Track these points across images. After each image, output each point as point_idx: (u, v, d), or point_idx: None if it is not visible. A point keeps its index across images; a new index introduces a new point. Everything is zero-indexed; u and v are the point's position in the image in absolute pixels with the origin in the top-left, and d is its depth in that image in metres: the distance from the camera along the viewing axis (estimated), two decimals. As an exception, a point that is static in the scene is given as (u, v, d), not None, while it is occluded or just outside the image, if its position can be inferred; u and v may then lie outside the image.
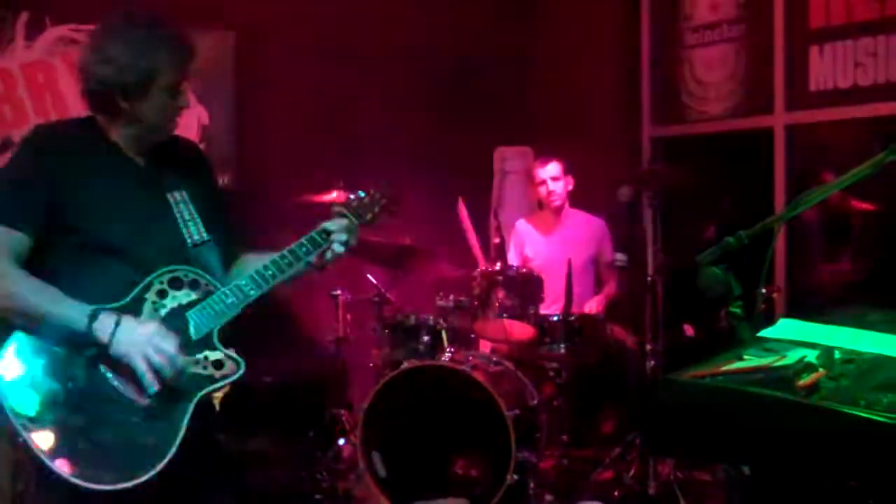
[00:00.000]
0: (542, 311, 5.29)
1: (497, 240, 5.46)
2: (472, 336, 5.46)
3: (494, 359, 5.20)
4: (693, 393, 1.86)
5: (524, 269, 5.33)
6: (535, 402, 5.02)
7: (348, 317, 5.57)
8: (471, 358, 5.09)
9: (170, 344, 2.52)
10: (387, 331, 5.33)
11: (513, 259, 5.85)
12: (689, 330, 5.65)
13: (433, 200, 5.80)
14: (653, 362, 5.07)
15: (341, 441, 5.39)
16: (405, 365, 4.93)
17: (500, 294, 5.13)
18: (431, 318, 5.24)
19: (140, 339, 2.49)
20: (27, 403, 2.45)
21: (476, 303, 5.18)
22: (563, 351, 5.21)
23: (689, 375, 1.89)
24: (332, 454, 5.35)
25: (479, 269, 5.25)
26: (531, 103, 6.78)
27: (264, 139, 6.21)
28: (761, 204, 5.79)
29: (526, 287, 5.17)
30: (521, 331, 5.19)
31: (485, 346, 5.60)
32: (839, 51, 5.53)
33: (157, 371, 2.49)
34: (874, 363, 1.99)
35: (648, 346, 5.08)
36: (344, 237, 2.80)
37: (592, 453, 5.46)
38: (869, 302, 3.21)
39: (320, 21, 6.26)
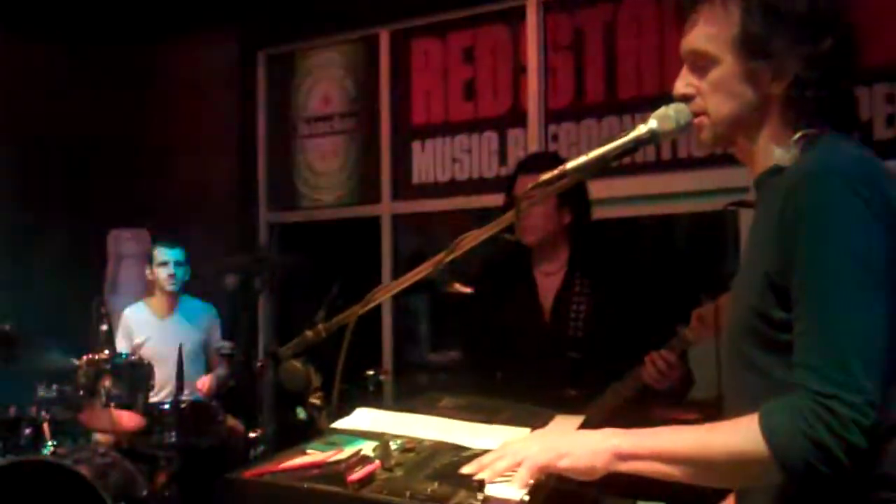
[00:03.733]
0: (153, 398, 5.17)
1: (105, 326, 5.30)
2: (80, 427, 5.23)
3: (102, 450, 5.00)
4: (250, 491, 1.84)
5: (133, 357, 5.22)
6: (146, 493, 4.87)
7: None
8: (76, 451, 4.87)
9: None
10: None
11: (121, 346, 5.69)
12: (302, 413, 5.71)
13: (37, 285, 5.55)
14: (262, 448, 5.08)
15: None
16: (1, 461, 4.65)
17: (108, 382, 4.97)
18: (33, 409, 4.96)
19: None
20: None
21: (82, 392, 4.99)
22: (174, 439, 5.12)
23: (248, 474, 1.85)
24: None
25: (84, 357, 5.06)
26: (145, 186, 6.71)
27: None
28: (371, 289, 6.02)
29: (135, 374, 5.05)
30: (130, 420, 5.06)
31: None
32: (438, 147, 5.95)
33: None
34: (432, 451, 2.01)
35: (252, 434, 5.08)
36: None
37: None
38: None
39: None
